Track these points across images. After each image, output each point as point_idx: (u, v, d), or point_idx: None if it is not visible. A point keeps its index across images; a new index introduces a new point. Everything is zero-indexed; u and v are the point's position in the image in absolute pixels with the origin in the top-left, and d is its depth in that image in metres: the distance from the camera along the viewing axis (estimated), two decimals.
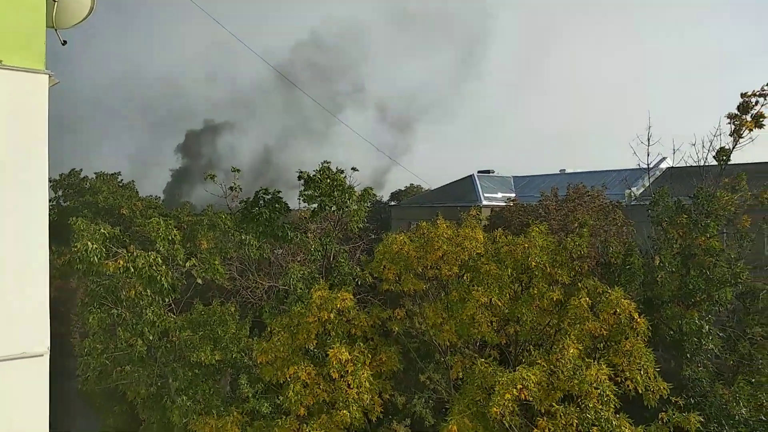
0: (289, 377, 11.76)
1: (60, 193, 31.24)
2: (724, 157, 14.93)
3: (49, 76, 4.08)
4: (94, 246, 12.74)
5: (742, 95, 14.97)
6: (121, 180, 31.41)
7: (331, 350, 11.54)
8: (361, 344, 12.53)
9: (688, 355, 13.35)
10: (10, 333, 3.87)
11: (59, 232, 16.25)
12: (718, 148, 15.16)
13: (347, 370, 11.52)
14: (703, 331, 13.09)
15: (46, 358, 4.00)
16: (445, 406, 13.84)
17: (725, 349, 14.07)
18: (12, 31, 3.98)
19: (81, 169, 32.52)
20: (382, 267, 13.16)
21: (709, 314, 13.66)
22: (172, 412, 13.45)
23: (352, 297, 13.13)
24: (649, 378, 10.79)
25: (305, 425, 11.30)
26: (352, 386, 11.39)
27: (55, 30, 4.62)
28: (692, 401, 12.76)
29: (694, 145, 16.38)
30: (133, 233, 17.86)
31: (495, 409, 10.14)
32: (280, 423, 11.70)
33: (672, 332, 13.58)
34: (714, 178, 15.65)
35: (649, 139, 17.46)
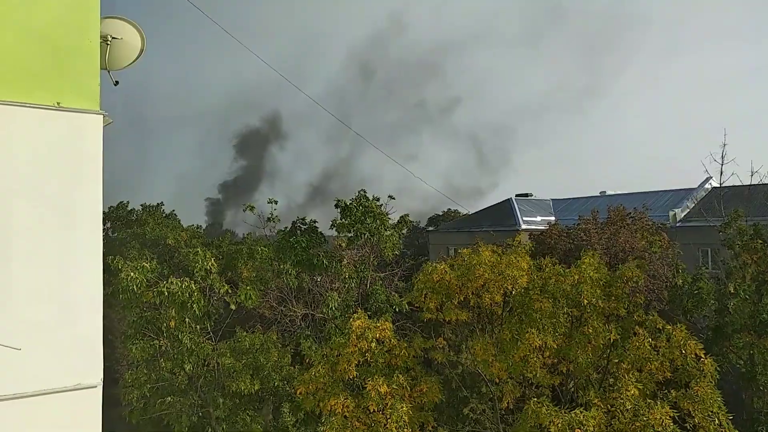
0: (330, 410, 11.63)
1: (108, 225, 32.43)
2: None
3: (103, 116, 4.26)
4: (135, 275, 13.18)
5: None
6: (164, 210, 32.42)
7: (370, 382, 11.29)
8: (400, 376, 12.25)
9: (761, 388, 12.54)
10: (65, 365, 3.96)
11: (107, 264, 16.77)
12: None
13: (386, 404, 11.33)
14: None
15: (100, 389, 4.07)
16: None
17: None
18: (68, 75, 4.17)
19: (128, 202, 33.78)
20: (423, 296, 12.95)
21: None
22: None
23: (391, 326, 12.98)
24: (721, 426, 9.78)
25: None
26: (391, 419, 11.14)
27: (108, 71, 4.84)
28: None
29: None
30: (176, 263, 18.30)
31: None
32: None
33: (743, 362, 12.85)
34: None
35: (723, 158, 16.94)
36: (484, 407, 14.76)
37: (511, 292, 12.28)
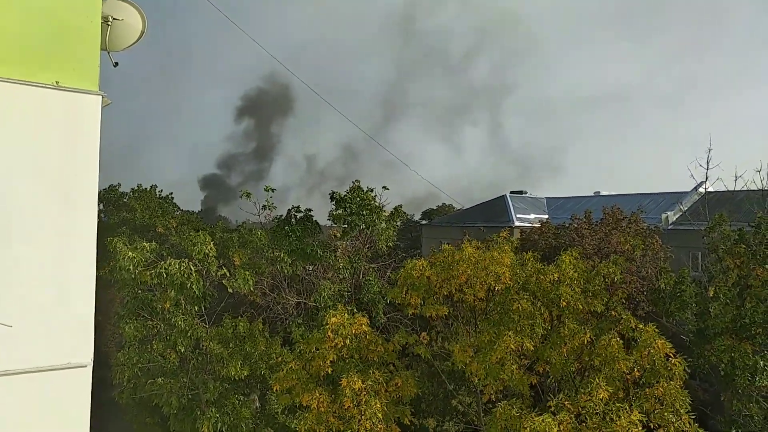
0: (303, 405, 11.65)
1: (101, 207, 32.17)
2: None
3: (102, 97, 4.26)
4: (134, 255, 13.26)
5: None
6: (161, 191, 32.11)
7: (344, 379, 11.26)
8: (376, 372, 12.25)
9: (740, 390, 12.71)
10: (56, 344, 4.00)
11: (102, 245, 16.79)
12: None
13: (361, 400, 11.23)
14: (758, 366, 12.40)
15: (89, 369, 4.11)
16: (477, 430, 13.54)
17: None
18: (68, 55, 4.16)
19: (119, 184, 33.47)
20: (404, 293, 12.98)
21: (765, 349, 13.00)
22: (202, 423, 13.58)
23: (367, 321, 12.94)
24: (683, 424, 9.87)
25: None
26: (365, 415, 11.13)
27: (108, 52, 4.83)
28: None
29: (759, 171, 15.88)
30: (170, 248, 18.30)
31: None
32: None
33: (723, 365, 12.99)
34: None
35: (708, 162, 17.06)
36: (471, 400, 14.89)
37: (494, 288, 12.29)
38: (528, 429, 9.59)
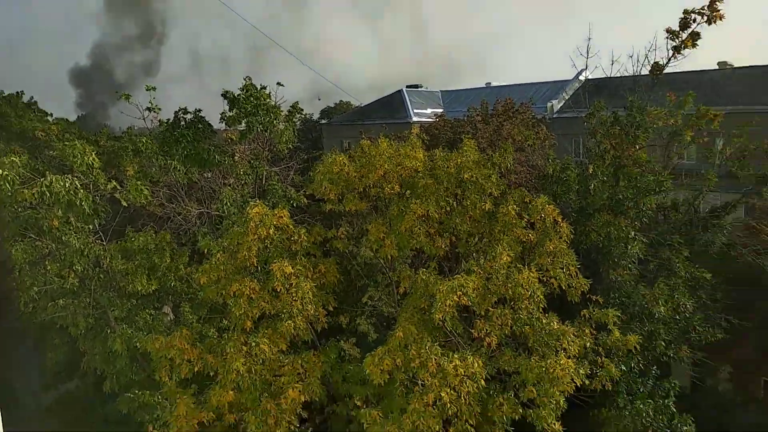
0: (233, 294, 11.85)
1: None
2: (657, 72, 15.57)
3: None
4: (5, 173, 12.07)
5: (685, 12, 15.38)
6: (32, 98, 28.50)
7: (275, 264, 11.66)
8: (303, 258, 12.76)
9: (615, 260, 14.51)
10: None
11: None
12: (652, 62, 15.73)
13: (291, 283, 11.74)
14: (629, 237, 14.20)
15: None
16: (390, 323, 14.47)
17: (648, 254, 15.29)
18: None
19: None
20: (323, 188, 13.16)
21: (635, 222, 14.75)
22: (114, 341, 13.30)
23: (288, 214, 13.19)
24: (571, 276, 11.89)
25: (251, 337, 11.53)
26: (296, 298, 11.66)
27: None
28: (617, 302, 13.97)
29: (631, 57, 16.90)
30: (49, 159, 16.66)
31: (437, 315, 10.78)
32: (227, 337, 11.91)
33: (602, 239, 14.63)
34: (646, 91, 16.30)
35: (588, 51, 17.85)
36: (382, 294, 15.75)
37: (408, 182, 12.94)
38: (445, 287, 10.80)
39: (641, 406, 13.35)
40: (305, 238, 12.97)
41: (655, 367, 14.30)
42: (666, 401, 13.82)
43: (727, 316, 19.65)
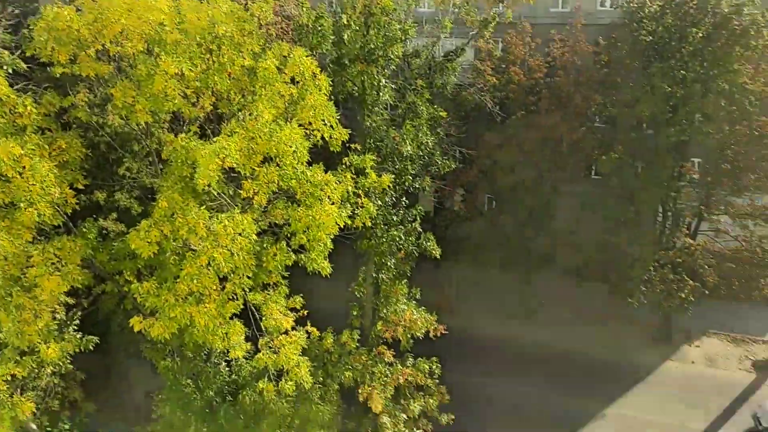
0: None
1: None
2: None
3: None
4: None
5: None
6: None
7: None
8: (34, 136, 11.16)
9: (370, 107, 15.53)
10: None
11: None
12: None
13: (24, 166, 10.35)
14: (381, 84, 15.18)
15: None
16: (154, 194, 13.73)
17: (396, 100, 16.62)
18: None
19: None
20: (48, 49, 11.08)
21: (385, 69, 15.67)
22: None
23: (5, 82, 11.08)
24: (332, 127, 12.57)
25: None
26: (33, 182, 10.37)
27: None
28: (372, 146, 15.29)
29: None
30: None
31: (201, 180, 10.64)
32: None
33: (357, 88, 15.35)
34: None
35: None
36: (141, 165, 14.63)
37: (154, 38, 11.62)
38: (207, 151, 10.55)
39: (395, 232, 15.68)
40: (33, 110, 11.20)
41: (404, 198, 16.60)
42: (413, 224, 16.55)
43: (459, 148, 23.13)
